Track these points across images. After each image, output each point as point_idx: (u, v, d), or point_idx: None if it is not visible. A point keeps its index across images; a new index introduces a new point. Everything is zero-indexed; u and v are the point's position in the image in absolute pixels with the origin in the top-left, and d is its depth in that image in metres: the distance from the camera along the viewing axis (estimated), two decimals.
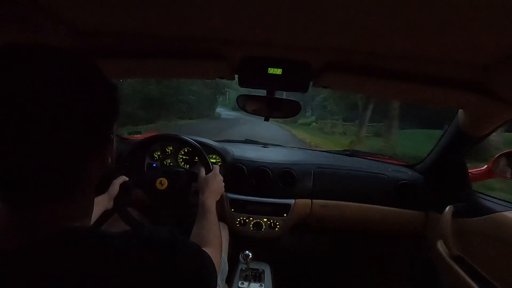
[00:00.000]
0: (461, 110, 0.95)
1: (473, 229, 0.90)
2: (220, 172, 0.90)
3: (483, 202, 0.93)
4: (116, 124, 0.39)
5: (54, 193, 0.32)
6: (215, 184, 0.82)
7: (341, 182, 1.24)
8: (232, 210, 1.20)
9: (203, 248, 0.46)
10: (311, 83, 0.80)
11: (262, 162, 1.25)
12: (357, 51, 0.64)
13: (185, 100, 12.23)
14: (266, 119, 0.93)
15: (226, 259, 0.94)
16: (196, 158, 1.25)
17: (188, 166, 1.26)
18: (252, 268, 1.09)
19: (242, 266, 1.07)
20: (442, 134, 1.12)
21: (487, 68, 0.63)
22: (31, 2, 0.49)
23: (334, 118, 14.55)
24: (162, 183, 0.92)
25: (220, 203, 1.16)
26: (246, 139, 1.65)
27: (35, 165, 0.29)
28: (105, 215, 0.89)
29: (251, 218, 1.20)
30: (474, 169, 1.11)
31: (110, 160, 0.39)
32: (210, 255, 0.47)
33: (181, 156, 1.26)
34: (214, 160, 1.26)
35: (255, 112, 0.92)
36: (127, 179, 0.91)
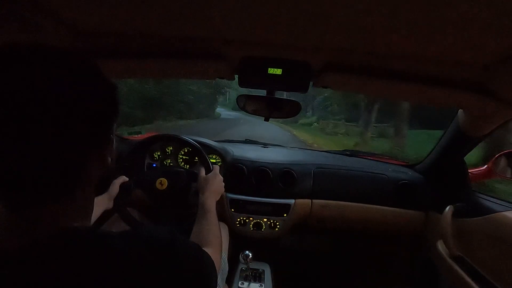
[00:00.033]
0: (461, 110, 0.95)
1: (473, 229, 0.90)
2: (220, 172, 0.90)
3: (483, 202, 0.93)
4: (116, 124, 0.39)
5: (54, 193, 0.32)
6: (215, 184, 0.82)
7: (341, 182, 1.24)
8: (232, 210, 1.20)
9: (203, 248, 0.46)
10: (311, 83, 0.80)
11: (262, 162, 1.25)
12: (357, 51, 0.64)
13: (184, 100, 11.99)
14: (266, 119, 0.92)
15: (226, 259, 0.94)
16: (196, 158, 1.25)
17: (188, 166, 1.26)
18: (252, 268, 1.09)
19: (242, 266, 1.07)
20: (442, 134, 1.12)
21: (487, 68, 0.63)
22: (31, 2, 0.49)
23: (336, 118, 14.21)
24: (162, 183, 0.92)
25: (220, 203, 1.16)
26: (246, 139, 1.65)
27: (35, 165, 0.29)
28: (105, 215, 0.89)
29: (251, 218, 1.20)
30: (474, 169, 1.11)
31: (110, 160, 0.39)
32: (210, 255, 0.47)
33: (181, 156, 1.26)
34: (214, 160, 1.26)
35: (255, 112, 0.92)
36: (127, 179, 0.91)
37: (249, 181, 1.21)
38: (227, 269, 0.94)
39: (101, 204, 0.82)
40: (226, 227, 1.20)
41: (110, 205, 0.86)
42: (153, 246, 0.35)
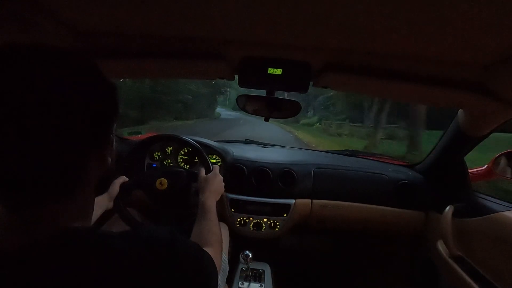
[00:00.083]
0: (461, 110, 0.95)
1: (473, 229, 0.90)
2: (220, 172, 0.90)
3: (483, 202, 0.93)
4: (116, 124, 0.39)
5: (54, 193, 0.32)
6: (215, 184, 0.82)
7: (341, 182, 1.24)
8: (232, 210, 1.20)
9: (203, 248, 0.46)
10: (311, 83, 0.80)
11: (262, 162, 1.25)
12: (357, 51, 0.64)
13: (182, 99, 11.67)
14: (266, 119, 0.92)
15: (227, 259, 0.94)
16: (196, 158, 1.25)
17: (188, 166, 1.26)
18: (252, 268, 1.09)
19: (242, 266, 1.07)
20: (442, 134, 1.12)
21: (487, 68, 0.63)
22: (31, 2, 0.49)
23: (339, 119, 13.81)
24: (162, 183, 0.92)
25: (220, 203, 1.16)
26: (246, 139, 1.65)
27: (35, 165, 0.29)
28: (105, 215, 0.89)
29: (251, 218, 1.20)
30: (474, 169, 1.11)
31: (110, 160, 0.39)
32: (210, 254, 0.47)
33: (181, 156, 1.26)
34: (214, 160, 1.26)
35: (255, 112, 0.92)
36: (127, 179, 0.91)
37: (249, 181, 1.21)
38: (228, 269, 0.94)
39: (101, 204, 0.82)
40: (226, 227, 1.20)
41: (110, 205, 0.86)
42: (153, 246, 0.35)
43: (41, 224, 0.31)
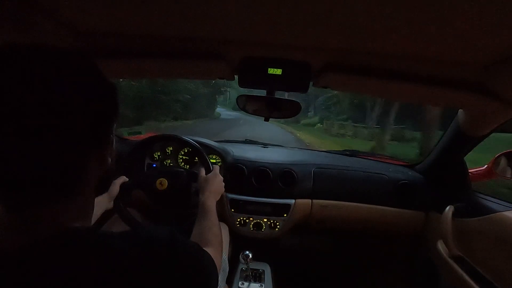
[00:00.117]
0: (461, 110, 0.95)
1: (473, 229, 0.90)
2: (220, 172, 0.90)
3: (483, 202, 0.93)
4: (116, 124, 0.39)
5: (54, 193, 0.32)
6: (215, 184, 0.82)
7: (341, 182, 1.24)
8: (232, 210, 1.20)
9: (203, 248, 0.46)
10: (311, 83, 0.80)
11: (262, 162, 1.25)
12: (357, 51, 0.64)
13: (180, 99, 11.20)
14: (266, 119, 0.93)
15: (227, 259, 0.94)
16: (196, 158, 1.25)
17: (188, 166, 1.26)
18: (252, 268, 1.09)
19: (242, 266, 1.07)
20: (442, 134, 1.12)
21: (487, 68, 0.63)
22: (31, 2, 0.49)
23: (340, 118, 13.46)
24: (162, 183, 0.92)
25: (220, 203, 1.16)
26: (246, 139, 1.65)
27: (35, 166, 0.29)
28: (105, 215, 0.89)
29: (251, 218, 1.20)
30: (474, 169, 1.11)
31: (110, 160, 0.39)
32: (210, 254, 0.46)
33: (181, 157, 1.26)
34: (214, 161, 1.26)
35: (255, 112, 0.92)
36: (127, 179, 0.91)
37: (249, 181, 1.21)
38: (228, 269, 0.94)
39: (101, 204, 0.82)
40: (226, 227, 1.20)
41: (110, 205, 0.86)
42: (153, 246, 0.35)
43: (41, 224, 0.31)
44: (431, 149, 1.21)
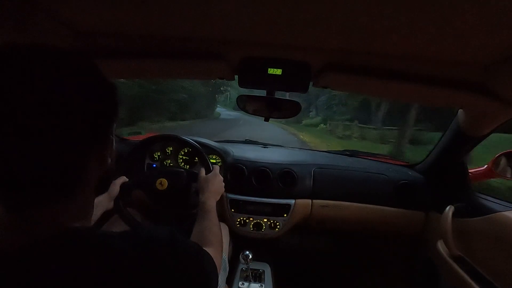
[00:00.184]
0: (461, 110, 0.95)
1: (473, 229, 0.90)
2: (220, 172, 0.90)
3: (483, 202, 0.93)
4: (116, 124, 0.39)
5: (54, 193, 0.32)
6: (215, 185, 0.82)
7: (341, 182, 1.24)
8: (232, 210, 1.20)
9: (203, 248, 0.46)
10: (311, 83, 0.80)
11: (262, 162, 1.25)
12: (357, 51, 0.64)
13: (176, 98, 10.51)
14: (266, 119, 0.93)
15: (227, 259, 0.94)
16: (196, 158, 1.25)
17: (188, 166, 1.26)
18: (252, 269, 1.09)
19: (242, 266, 1.07)
20: (442, 134, 1.12)
21: (487, 68, 0.63)
22: (31, 2, 0.49)
23: (344, 119, 12.79)
24: (162, 183, 0.92)
25: (220, 203, 1.16)
26: (246, 139, 1.65)
27: (35, 166, 0.29)
28: (105, 215, 0.89)
29: (251, 219, 1.20)
30: (474, 169, 1.11)
31: (109, 160, 0.39)
32: (210, 254, 0.47)
33: (181, 157, 1.26)
34: (214, 161, 1.26)
35: (255, 112, 0.92)
36: (127, 179, 0.91)
37: (249, 181, 1.21)
38: (228, 269, 0.94)
39: (101, 204, 0.82)
40: (226, 227, 1.20)
41: (110, 205, 0.86)
42: (153, 246, 0.35)
43: (41, 224, 0.31)
44: (431, 149, 1.21)
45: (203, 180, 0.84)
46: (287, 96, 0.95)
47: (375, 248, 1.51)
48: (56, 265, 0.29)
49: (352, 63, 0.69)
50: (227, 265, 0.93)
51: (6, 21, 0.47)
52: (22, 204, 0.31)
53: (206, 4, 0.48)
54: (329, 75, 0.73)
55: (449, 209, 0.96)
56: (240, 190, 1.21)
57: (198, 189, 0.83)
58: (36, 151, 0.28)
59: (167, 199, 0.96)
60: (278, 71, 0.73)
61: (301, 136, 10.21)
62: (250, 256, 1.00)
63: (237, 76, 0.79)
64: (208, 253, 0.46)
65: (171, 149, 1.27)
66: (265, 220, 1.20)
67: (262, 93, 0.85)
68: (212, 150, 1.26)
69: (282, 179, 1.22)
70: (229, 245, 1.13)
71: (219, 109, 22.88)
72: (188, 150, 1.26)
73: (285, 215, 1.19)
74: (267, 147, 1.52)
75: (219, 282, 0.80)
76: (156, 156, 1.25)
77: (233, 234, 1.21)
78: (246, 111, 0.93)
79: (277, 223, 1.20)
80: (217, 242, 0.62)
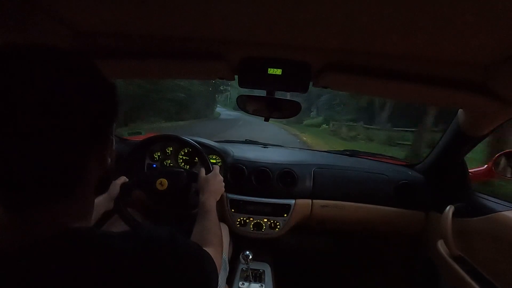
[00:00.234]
0: (461, 110, 0.95)
1: (473, 229, 0.90)
2: (220, 172, 0.90)
3: (483, 202, 0.93)
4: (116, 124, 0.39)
5: (54, 193, 0.32)
6: (215, 185, 0.82)
7: (342, 182, 1.24)
8: (232, 210, 1.20)
9: (203, 248, 0.46)
10: (311, 83, 0.80)
11: (262, 162, 1.25)
12: (357, 51, 0.64)
13: (172, 98, 10.19)
14: (266, 119, 0.93)
15: (227, 259, 0.94)
16: (196, 158, 1.25)
17: (188, 166, 1.26)
18: (252, 269, 1.09)
19: (242, 266, 1.07)
20: (442, 134, 1.12)
21: (487, 68, 0.63)
22: (31, 2, 0.49)
23: (348, 119, 12.41)
24: (162, 183, 0.92)
25: (220, 203, 1.16)
26: (246, 140, 1.65)
27: (35, 166, 0.29)
28: (105, 216, 0.89)
29: (251, 219, 1.20)
30: (474, 169, 1.11)
31: (109, 160, 0.39)
32: (210, 254, 0.47)
33: (181, 157, 1.26)
34: (214, 161, 1.26)
35: (255, 113, 0.92)
36: (127, 179, 0.91)
37: (249, 182, 1.21)
38: (228, 269, 0.94)
39: (101, 204, 0.82)
40: (226, 227, 1.20)
41: (110, 205, 0.86)
42: (153, 246, 0.35)
43: (41, 224, 0.31)
44: (431, 149, 1.21)
45: (203, 180, 0.84)
46: (288, 96, 0.95)
47: (375, 248, 1.51)
48: (56, 265, 0.29)
49: (352, 63, 0.68)
50: (227, 265, 0.93)
51: (6, 21, 0.47)
52: (22, 204, 0.31)
53: (206, 4, 0.48)
54: (329, 75, 0.73)
55: (449, 209, 0.96)
56: (240, 190, 1.21)
57: (198, 189, 0.83)
58: (36, 151, 0.28)
59: (167, 199, 0.96)
60: (278, 71, 0.73)
61: (304, 138, 9.57)
62: (250, 256, 1.00)
63: (237, 76, 0.80)
64: (208, 253, 0.46)
65: (171, 149, 1.27)
66: (265, 220, 1.20)
67: (262, 93, 0.85)
68: (212, 150, 1.26)
69: (282, 179, 1.22)
70: (229, 245, 1.13)
71: (219, 109, 22.85)
72: (188, 150, 1.26)
73: (285, 215, 1.19)
74: (267, 147, 1.52)
75: (219, 282, 0.80)
76: (156, 156, 1.26)
77: (233, 234, 1.21)
78: (246, 111, 0.93)
79: (277, 223, 1.20)
80: (217, 242, 0.62)
